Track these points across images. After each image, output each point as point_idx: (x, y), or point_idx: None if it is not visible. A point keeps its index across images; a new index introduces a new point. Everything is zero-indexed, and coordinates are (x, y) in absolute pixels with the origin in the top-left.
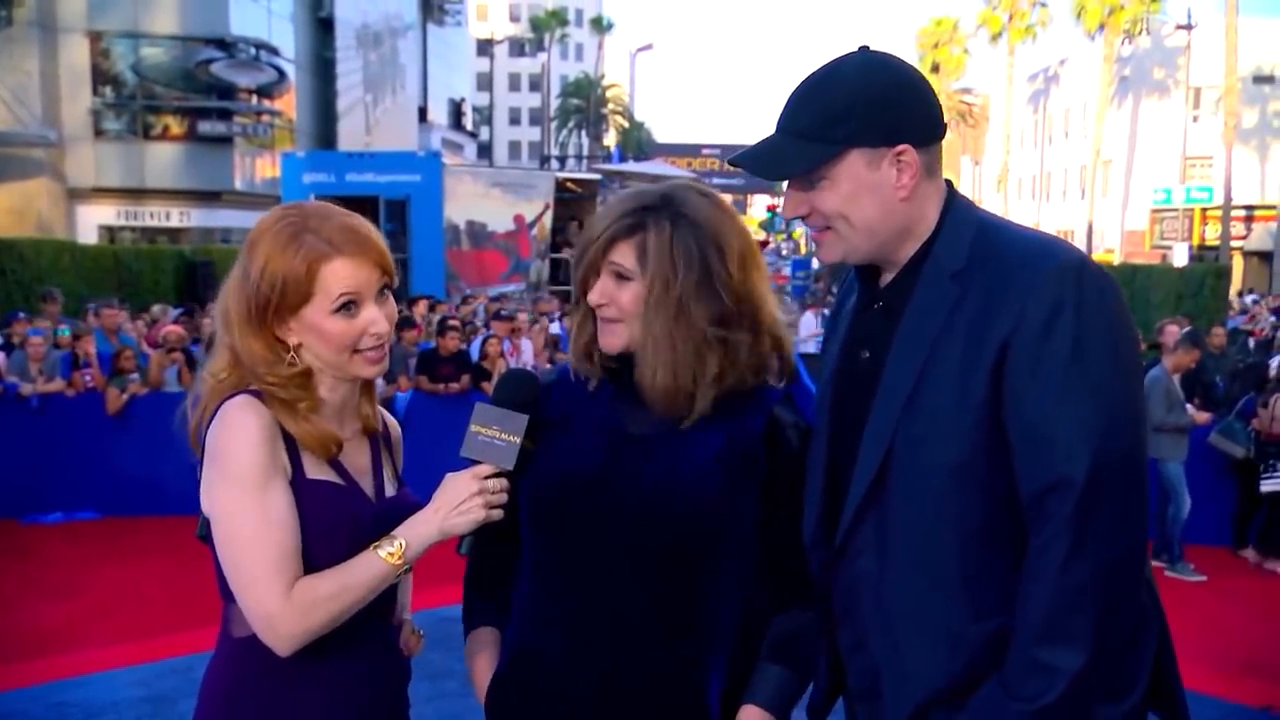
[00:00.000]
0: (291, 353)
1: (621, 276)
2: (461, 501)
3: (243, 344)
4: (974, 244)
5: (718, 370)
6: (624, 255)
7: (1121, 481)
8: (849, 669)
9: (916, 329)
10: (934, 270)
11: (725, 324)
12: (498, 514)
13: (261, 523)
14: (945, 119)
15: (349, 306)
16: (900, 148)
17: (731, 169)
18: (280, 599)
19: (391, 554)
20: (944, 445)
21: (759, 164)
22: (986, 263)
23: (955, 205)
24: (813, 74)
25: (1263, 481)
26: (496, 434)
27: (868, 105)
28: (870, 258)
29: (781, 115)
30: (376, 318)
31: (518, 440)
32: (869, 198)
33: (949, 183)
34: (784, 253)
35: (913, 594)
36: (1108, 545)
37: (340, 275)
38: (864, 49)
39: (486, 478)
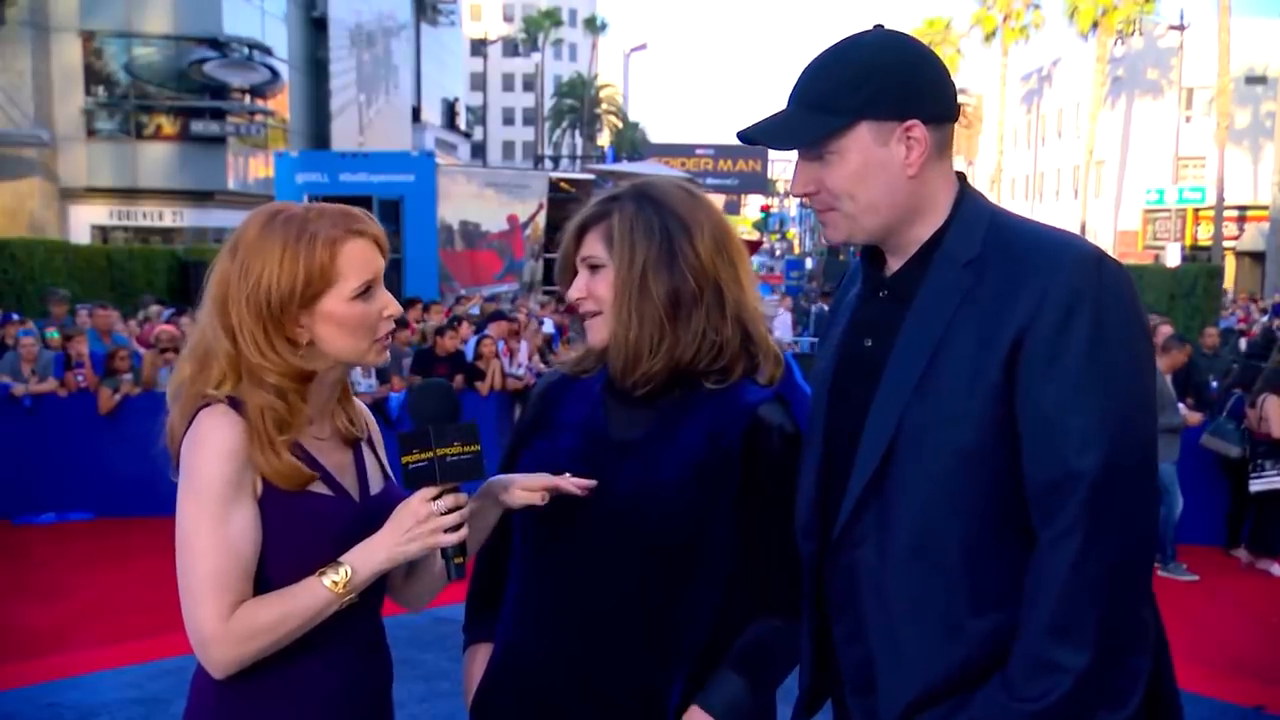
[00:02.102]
0: (304, 350)
1: (595, 266)
2: (408, 528)
3: (257, 349)
4: (988, 234)
5: (669, 344)
6: (593, 244)
7: (1136, 474)
8: (843, 662)
9: (927, 315)
10: (945, 259)
11: (683, 303)
12: (450, 538)
13: (213, 542)
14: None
15: (367, 290)
16: (909, 123)
17: (726, 169)
18: (217, 623)
19: (336, 582)
20: (953, 430)
21: (767, 134)
22: (1001, 252)
23: (968, 196)
24: (828, 48)
25: (1251, 481)
26: (417, 456)
27: (879, 77)
28: (875, 238)
29: (794, 88)
30: (389, 300)
31: (431, 454)
32: (876, 175)
33: (961, 175)
34: (778, 253)
35: (913, 583)
36: (1121, 539)
37: (359, 257)
38: (879, 27)
39: (435, 498)
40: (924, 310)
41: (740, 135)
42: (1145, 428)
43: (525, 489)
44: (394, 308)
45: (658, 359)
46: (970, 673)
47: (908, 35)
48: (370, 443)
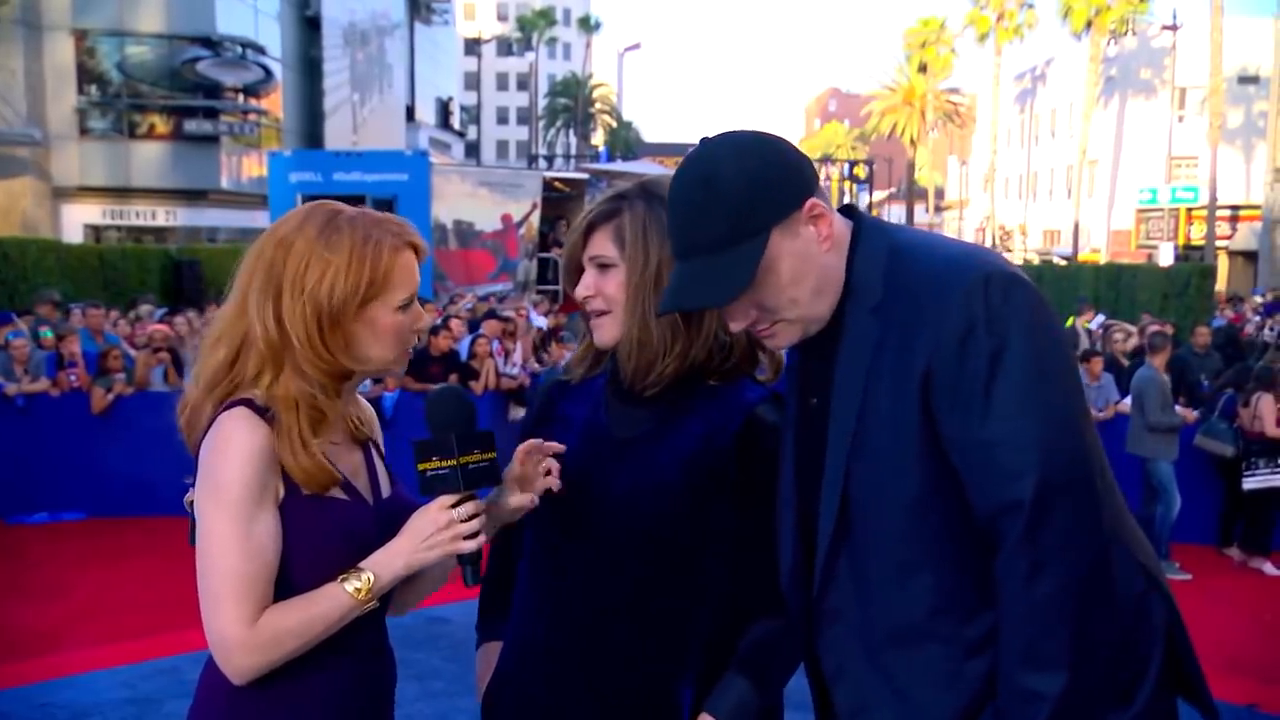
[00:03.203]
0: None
1: (604, 265)
2: (428, 535)
3: (309, 344)
4: (887, 272)
5: (683, 345)
6: (602, 244)
7: (1071, 491)
8: None
9: (848, 372)
10: (856, 307)
11: None
12: (470, 545)
13: (238, 549)
14: (929, 117)
15: (409, 302)
16: (810, 203)
17: None
18: (242, 629)
19: (359, 589)
20: (893, 484)
21: (701, 295)
22: (900, 292)
23: (863, 233)
24: (684, 189)
25: (1245, 479)
26: (437, 464)
27: (765, 183)
28: (825, 319)
29: (681, 241)
30: (421, 314)
31: (454, 462)
32: (805, 266)
33: (852, 207)
34: None
35: (903, 641)
36: (1066, 559)
37: (409, 270)
38: (703, 140)
39: (454, 505)
40: (844, 367)
41: (665, 309)
42: (1070, 438)
43: (511, 498)
44: (425, 321)
45: (671, 361)
46: (974, 713)
47: (745, 130)
48: (375, 444)
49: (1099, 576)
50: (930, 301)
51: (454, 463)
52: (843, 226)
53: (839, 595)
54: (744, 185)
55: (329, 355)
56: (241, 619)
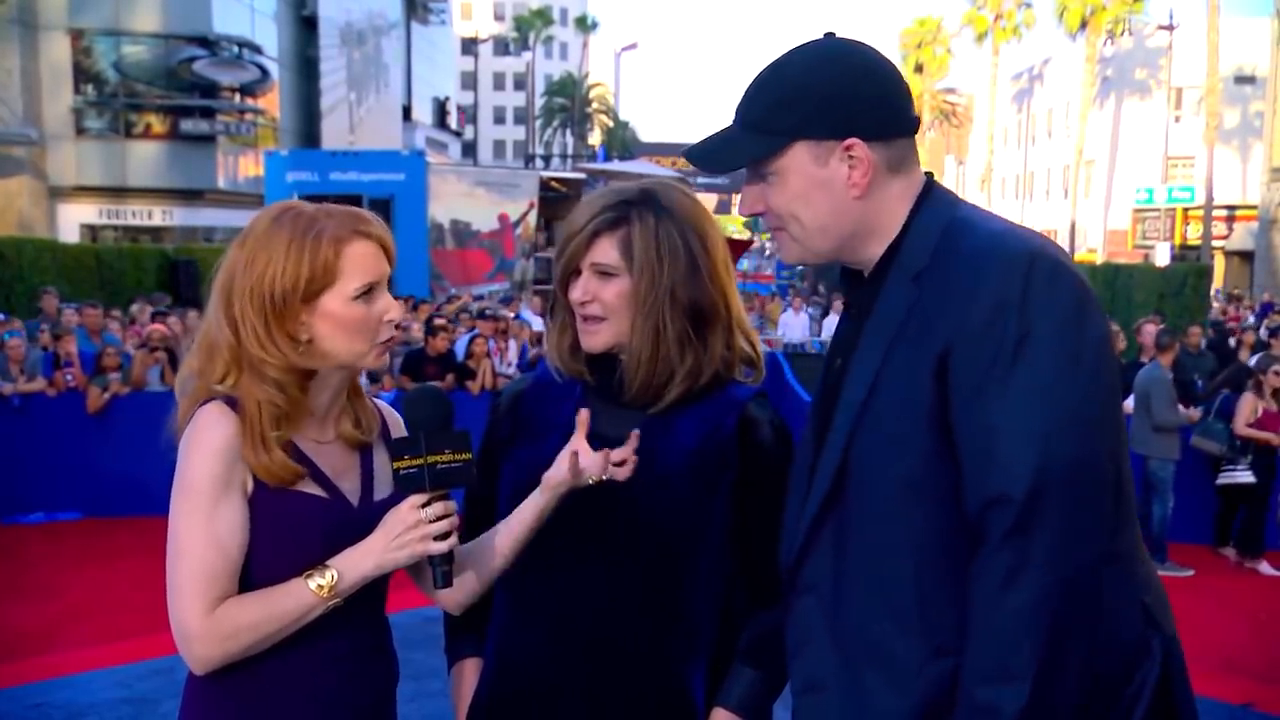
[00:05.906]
0: (303, 347)
1: (605, 273)
2: (398, 535)
3: (257, 341)
4: (940, 242)
5: (693, 362)
6: (607, 251)
7: (1069, 494)
8: (799, 713)
9: (875, 334)
10: (898, 272)
11: (704, 317)
12: (440, 546)
13: (200, 539)
14: (925, 117)
15: (368, 292)
16: (849, 142)
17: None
18: (200, 618)
19: (322, 586)
20: (892, 456)
21: (704, 155)
22: (944, 261)
23: (926, 205)
24: (773, 61)
25: (1221, 475)
26: (408, 463)
27: (813, 95)
28: (830, 258)
29: (739, 105)
30: (391, 305)
31: (422, 461)
32: (819, 195)
33: (930, 176)
34: (768, 252)
35: (870, 628)
36: (1052, 567)
37: (363, 258)
38: (829, 35)
39: (424, 505)
40: (873, 328)
41: (684, 154)
42: (1081, 440)
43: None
44: (395, 312)
45: (681, 382)
46: (930, 717)
47: (854, 45)
48: (388, 440)
49: (1083, 595)
50: (967, 272)
51: (421, 462)
52: (902, 188)
53: (816, 567)
54: (795, 85)
55: (278, 351)
56: (201, 610)
